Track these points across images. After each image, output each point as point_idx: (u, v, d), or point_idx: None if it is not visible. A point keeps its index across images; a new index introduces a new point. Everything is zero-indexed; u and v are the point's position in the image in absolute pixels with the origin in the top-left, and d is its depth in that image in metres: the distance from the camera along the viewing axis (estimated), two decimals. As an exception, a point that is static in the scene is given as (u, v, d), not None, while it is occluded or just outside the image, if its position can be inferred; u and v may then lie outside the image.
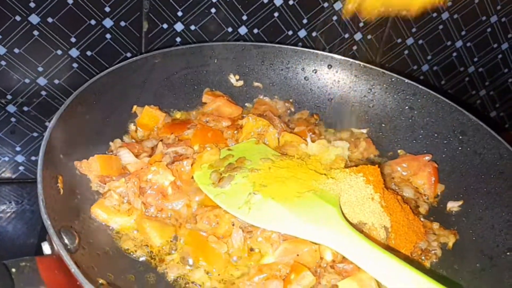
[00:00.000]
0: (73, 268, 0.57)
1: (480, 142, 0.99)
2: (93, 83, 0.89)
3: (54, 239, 0.60)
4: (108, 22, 1.14)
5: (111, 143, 0.92)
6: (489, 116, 1.71)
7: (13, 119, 1.20)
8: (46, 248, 0.65)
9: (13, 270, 0.56)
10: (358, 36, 1.36)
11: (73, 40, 1.14)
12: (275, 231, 0.79)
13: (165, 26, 1.19)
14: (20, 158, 1.27)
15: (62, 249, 0.59)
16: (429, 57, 1.48)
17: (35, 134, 1.24)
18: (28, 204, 1.27)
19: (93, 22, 1.13)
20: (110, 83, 0.93)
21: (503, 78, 1.61)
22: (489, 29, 1.46)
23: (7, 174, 1.29)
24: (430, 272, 0.62)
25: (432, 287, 0.64)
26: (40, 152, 0.72)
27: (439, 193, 1.00)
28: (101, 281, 0.56)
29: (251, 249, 0.79)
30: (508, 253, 0.83)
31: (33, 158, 1.28)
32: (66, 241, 0.64)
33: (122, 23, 1.16)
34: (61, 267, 0.59)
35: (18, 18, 1.06)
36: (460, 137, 1.03)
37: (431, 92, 1.08)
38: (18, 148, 1.25)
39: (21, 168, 1.29)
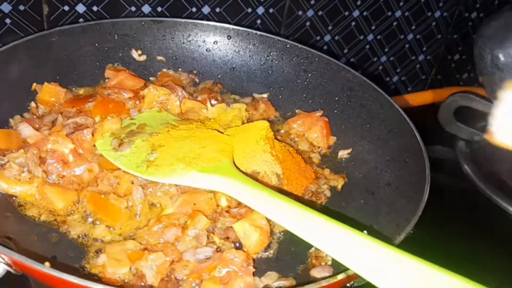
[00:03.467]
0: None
1: (364, 95, 1.10)
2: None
3: None
4: (6, 7, 1.14)
5: (10, 120, 0.94)
6: (392, 81, 1.85)
7: None
8: None
9: None
10: (260, 10, 1.44)
11: (-30, 26, 1.13)
12: (173, 185, 0.85)
13: (66, 8, 1.21)
14: None
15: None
16: (330, 28, 1.58)
17: None
18: None
19: (-11, 7, 1.13)
20: (6, 61, 0.95)
21: (400, 44, 1.74)
22: (381, -2, 1.58)
23: None
24: (320, 210, 0.70)
25: (317, 219, 0.68)
26: None
27: (332, 144, 1.09)
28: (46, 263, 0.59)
29: (152, 204, 0.85)
30: (386, 188, 0.94)
31: None
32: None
33: (21, 7, 1.16)
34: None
35: None
36: (348, 93, 1.13)
37: (322, 55, 1.18)
38: None
39: None
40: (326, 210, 0.76)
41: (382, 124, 1.05)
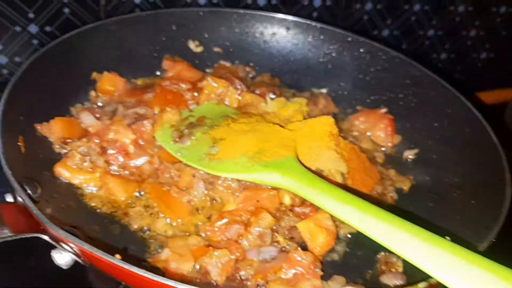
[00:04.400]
0: (35, 211, 0.59)
1: (432, 92, 1.04)
2: (49, 49, 0.90)
3: (16, 187, 0.62)
4: (64, -3, 1.15)
5: (72, 108, 0.93)
6: (451, 78, 1.76)
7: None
8: (8, 198, 0.66)
9: (-25, 214, 0.58)
10: (317, 2, 1.39)
11: (31, 16, 1.14)
12: (235, 180, 0.82)
13: (123, -3, 1.20)
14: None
15: (24, 196, 0.61)
16: (388, 22, 1.52)
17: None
18: None
19: (50, -4, 1.13)
20: (67, 50, 0.94)
21: (461, 40, 1.66)
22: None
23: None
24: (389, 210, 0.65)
25: (394, 221, 0.64)
26: (-1, 112, 0.73)
27: (396, 143, 1.04)
28: (117, 256, 0.58)
29: (213, 199, 0.82)
30: (458, 191, 0.88)
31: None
32: (28, 191, 0.66)
33: (79, -3, 1.16)
34: (24, 213, 0.61)
35: (-28, -6, 1.06)
36: (414, 89, 1.07)
37: (385, 48, 1.12)
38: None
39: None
40: (395, 211, 0.71)
41: (452, 123, 0.98)
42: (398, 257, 0.77)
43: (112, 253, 0.57)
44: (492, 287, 0.53)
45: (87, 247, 0.56)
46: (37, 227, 0.61)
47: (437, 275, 0.57)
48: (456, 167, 0.92)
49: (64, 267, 0.61)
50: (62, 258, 0.60)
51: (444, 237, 0.59)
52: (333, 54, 1.17)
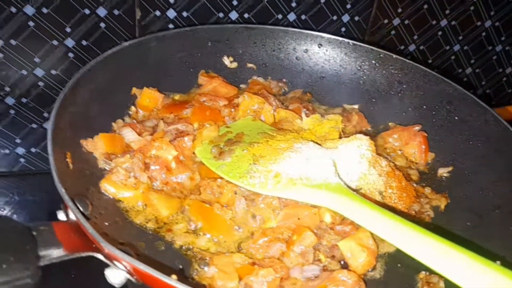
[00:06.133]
0: (90, 229, 0.60)
1: (466, 110, 1.04)
2: (91, 67, 0.92)
3: (70, 205, 0.63)
4: (101, 11, 1.17)
5: (113, 124, 0.95)
6: (476, 93, 1.76)
7: (12, 111, 1.22)
8: (61, 216, 0.68)
9: (34, 233, 0.59)
10: (345, 18, 1.40)
11: (68, 30, 1.16)
12: (276, 197, 0.83)
13: (157, 13, 1.22)
14: (20, 150, 1.29)
15: (78, 213, 0.62)
16: (415, 37, 1.53)
17: (34, 126, 1.26)
18: (30, 195, 1.27)
19: (87, 11, 1.16)
20: (107, 67, 0.96)
21: (488, 55, 1.66)
22: (472, 7, 1.51)
23: (8, 167, 1.30)
24: (426, 227, 0.66)
25: (430, 239, 0.65)
26: (49, 130, 0.75)
27: (430, 161, 1.04)
28: (173, 276, 0.59)
29: (254, 216, 0.83)
30: (496, 211, 0.88)
31: (33, 149, 1.29)
32: (80, 208, 0.67)
33: (116, 12, 1.19)
34: (76, 231, 0.63)
35: (13, 9, 1.08)
36: (448, 106, 1.07)
37: (418, 65, 1.13)
38: (18, 140, 1.27)
39: (21, 160, 1.31)
40: (436, 231, 0.71)
41: (487, 142, 0.98)
42: (440, 277, 0.77)
43: (167, 272, 0.58)
44: None
45: (143, 267, 0.57)
46: (90, 246, 0.62)
47: None
48: (494, 186, 0.92)
49: (117, 286, 0.62)
50: (116, 276, 0.61)
51: (494, 261, 0.59)
52: (365, 71, 1.18)
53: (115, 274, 0.61)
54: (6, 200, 1.24)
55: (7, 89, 1.19)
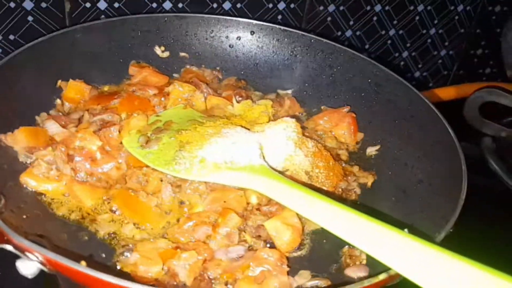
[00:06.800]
0: (-3, 222, 0.59)
1: (392, 90, 1.07)
2: (12, 58, 0.90)
3: (-22, 199, 0.62)
4: (28, 4, 1.14)
5: (37, 117, 0.93)
6: (414, 76, 1.82)
7: None
8: (-31, 211, 0.66)
9: None
10: (281, 5, 1.42)
11: (-7, 24, 1.13)
12: (202, 182, 0.83)
13: (88, 5, 1.20)
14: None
15: (-14, 208, 0.61)
16: (351, 23, 1.56)
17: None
18: None
19: (12, 4, 1.12)
20: (30, 58, 0.94)
21: (422, 39, 1.71)
22: (405, -8, 1.55)
23: None
24: (353, 207, 0.68)
25: (354, 216, 0.66)
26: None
27: (359, 141, 1.07)
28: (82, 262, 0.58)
29: (181, 202, 0.83)
30: (418, 185, 0.91)
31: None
32: (-10, 201, 0.66)
33: (43, 4, 1.16)
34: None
35: None
36: (375, 88, 1.10)
37: (348, 49, 1.15)
38: None
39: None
40: (358, 207, 0.73)
41: (412, 120, 1.02)
42: (361, 250, 0.80)
43: (78, 260, 0.58)
44: (447, 272, 0.55)
45: (51, 256, 0.57)
46: (1, 238, 0.61)
47: (396, 266, 0.59)
48: (417, 162, 0.95)
49: (29, 277, 0.61)
50: (27, 267, 0.60)
51: (403, 230, 0.62)
52: (297, 56, 1.20)
53: (27, 265, 0.61)
54: None
55: None
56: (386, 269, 0.63)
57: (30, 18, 1.16)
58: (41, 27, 1.18)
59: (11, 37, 1.16)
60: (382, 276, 0.63)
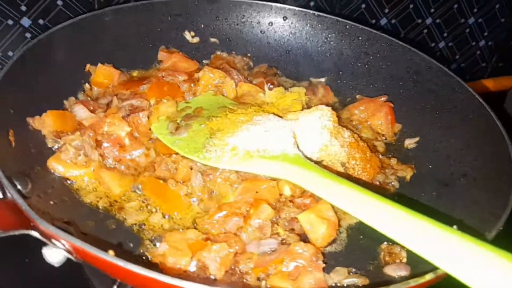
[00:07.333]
0: (24, 206, 0.57)
1: (433, 79, 1.01)
2: (41, 40, 0.88)
3: (4, 182, 0.60)
4: (58, -12, 1.12)
5: (65, 101, 0.91)
6: (450, 68, 1.74)
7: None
8: (-3, 194, 0.64)
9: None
10: (314, -9, 1.37)
11: (23, 8, 1.11)
12: (233, 171, 0.80)
13: (116, -12, 1.18)
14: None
15: (13, 191, 0.59)
16: (386, 10, 1.50)
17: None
18: None
19: (41, -12, 1.11)
20: (59, 41, 0.92)
21: (460, 28, 1.64)
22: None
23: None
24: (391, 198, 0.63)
25: (396, 210, 0.62)
26: (-13, 105, 0.71)
27: (396, 132, 1.02)
28: (110, 252, 0.56)
29: (211, 192, 0.80)
30: (461, 179, 0.86)
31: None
32: (18, 186, 0.63)
33: (73, -12, 1.14)
34: (12, 208, 0.59)
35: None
36: (415, 77, 1.04)
37: (385, 35, 1.10)
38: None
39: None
40: (397, 201, 0.69)
41: (454, 110, 0.96)
42: (402, 247, 0.75)
43: (106, 249, 0.55)
44: (500, 274, 0.51)
45: (78, 243, 0.54)
46: (27, 224, 0.59)
47: (445, 265, 0.55)
48: (460, 154, 0.90)
49: (56, 265, 0.59)
50: (54, 255, 0.58)
51: (451, 226, 0.57)
52: (332, 43, 1.15)
53: (53, 253, 0.58)
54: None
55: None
56: (430, 268, 0.58)
57: (59, 2, 1.14)
58: (70, 11, 1.16)
59: (41, 21, 1.14)
60: (429, 276, 0.58)
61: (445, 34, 1.63)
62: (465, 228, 0.64)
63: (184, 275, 0.66)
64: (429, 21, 1.58)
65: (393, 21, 1.53)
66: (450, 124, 0.95)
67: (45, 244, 0.59)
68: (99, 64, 0.98)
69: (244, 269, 0.69)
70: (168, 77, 0.98)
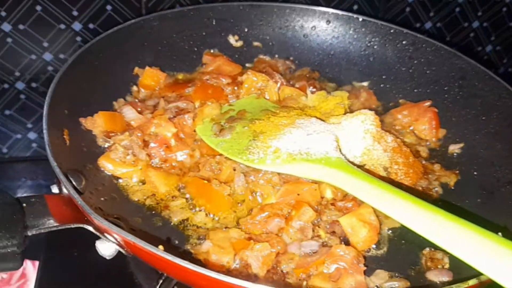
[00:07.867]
0: (80, 201, 0.60)
1: (479, 84, 1.00)
2: (93, 44, 0.92)
3: (61, 178, 0.63)
4: (108, -6, 1.17)
5: (114, 103, 0.95)
6: (498, 72, 1.70)
7: (22, 96, 1.23)
8: (54, 189, 0.68)
9: (24, 204, 0.59)
10: (358, -5, 1.36)
11: (75, 13, 1.16)
12: (276, 173, 0.81)
13: (163, -6, 1.21)
14: (32, 135, 1.30)
15: (70, 187, 0.62)
16: (431, 14, 1.47)
17: (45, 110, 1.27)
18: (42, 179, 1.27)
19: (93, -7, 1.15)
20: (109, 45, 0.96)
21: (509, 32, 1.59)
22: (491, -18, 1.44)
23: (21, 152, 1.31)
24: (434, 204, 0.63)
25: (434, 214, 0.62)
26: (45, 106, 0.75)
27: (441, 137, 1.00)
28: (160, 247, 0.59)
29: (254, 193, 0.81)
30: (507, 186, 0.84)
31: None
32: (73, 182, 0.67)
33: (122, -7, 1.18)
34: (68, 203, 0.63)
35: (19, -7, 1.09)
36: (460, 81, 1.03)
37: (429, 40, 1.09)
38: (29, 125, 1.28)
39: (33, 145, 1.32)
40: (441, 207, 0.68)
41: (501, 116, 0.94)
42: (444, 253, 0.74)
43: (155, 244, 0.58)
44: None
45: (131, 238, 0.57)
46: (81, 218, 0.62)
47: (489, 272, 0.54)
48: (506, 161, 0.88)
49: (107, 258, 0.62)
50: (106, 248, 0.61)
51: (496, 233, 0.57)
52: (375, 47, 1.14)
53: (106, 246, 0.61)
54: (18, 184, 1.25)
55: (17, 73, 1.20)
56: (473, 274, 0.58)
57: (108, 7, 1.19)
58: (118, 16, 1.21)
59: (91, 25, 1.19)
60: (472, 282, 0.58)
61: (492, 38, 1.59)
62: (510, 235, 0.63)
63: (227, 272, 0.68)
64: (475, 24, 1.54)
65: (438, 24, 1.50)
66: (496, 130, 0.94)
67: (97, 238, 0.62)
68: (147, 67, 1.01)
69: (286, 269, 0.70)
70: (212, 80, 1.01)
